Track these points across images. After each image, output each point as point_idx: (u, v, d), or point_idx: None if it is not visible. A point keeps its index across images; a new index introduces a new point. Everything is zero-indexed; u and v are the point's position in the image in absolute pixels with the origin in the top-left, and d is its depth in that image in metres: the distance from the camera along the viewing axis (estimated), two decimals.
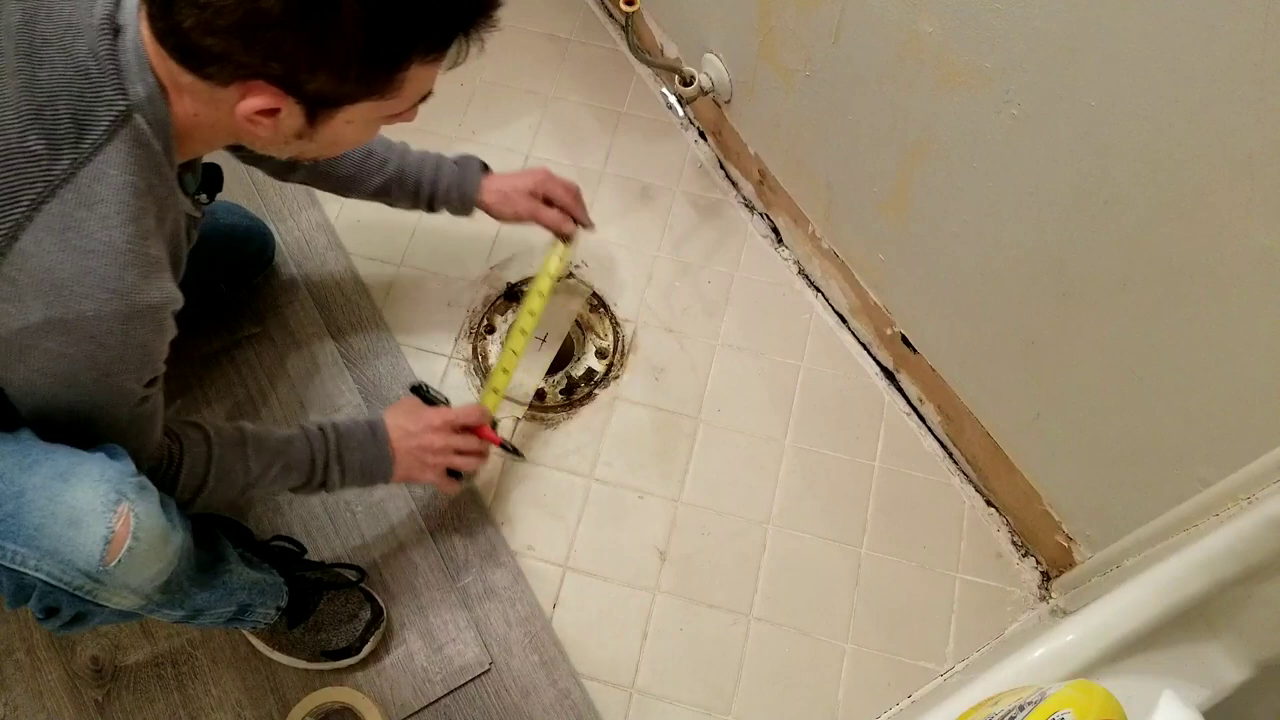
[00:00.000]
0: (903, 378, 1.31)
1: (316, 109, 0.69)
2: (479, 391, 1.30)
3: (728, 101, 1.38)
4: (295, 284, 1.34)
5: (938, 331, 1.20)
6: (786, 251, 1.42)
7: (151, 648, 1.10)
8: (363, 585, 1.12)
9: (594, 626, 1.16)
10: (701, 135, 1.52)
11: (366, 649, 1.09)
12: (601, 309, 1.36)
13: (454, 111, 1.51)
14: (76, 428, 0.74)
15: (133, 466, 0.74)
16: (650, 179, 1.47)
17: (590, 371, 1.32)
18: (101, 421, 0.75)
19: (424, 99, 0.76)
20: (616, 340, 1.34)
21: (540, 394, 1.30)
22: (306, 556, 1.13)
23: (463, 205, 1.18)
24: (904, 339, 1.25)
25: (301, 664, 1.09)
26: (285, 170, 1.11)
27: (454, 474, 1.07)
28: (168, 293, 0.73)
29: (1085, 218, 0.87)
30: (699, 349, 1.34)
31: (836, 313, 1.37)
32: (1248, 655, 0.88)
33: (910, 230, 1.13)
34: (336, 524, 1.19)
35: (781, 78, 1.21)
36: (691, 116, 1.53)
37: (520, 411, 1.29)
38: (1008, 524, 1.24)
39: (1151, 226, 0.80)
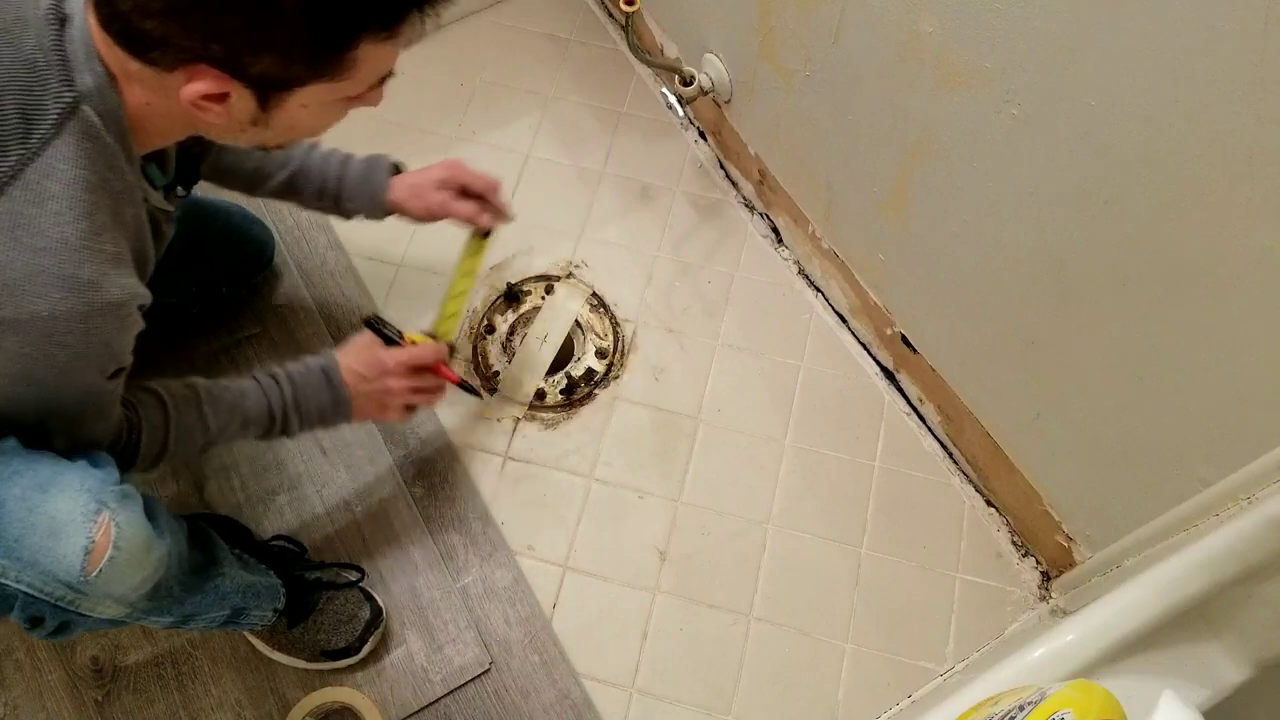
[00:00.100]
0: (903, 378, 1.31)
1: (267, 93, 0.68)
2: (480, 388, 1.30)
3: (728, 101, 1.38)
4: (295, 284, 1.34)
5: (938, 331, 1.20)
6: (786, 251, 1.42)
7: (151, 648, 1.10)
8: (362, 585, 1.12)
9: (594, 626, 1.16)
10: (701, 135, 1.52)
11: (366, 649, 1.09)
12: (601, 309, 1.37)
13: (454, 111, 1.51)
14: (38, 419, 0.73)
15: (116, 475, 0.73)
16: (650, 179, 1.47)
17: (590, 371, 1.32)
18: (64, 414, 0.74)
19: (385, 80, 0.74)
20: (616, 340, 1.34)
21: (540, 394, 1.30)
22: (306, 556, 1.13)
23: (372, 202, 1.11)
24: (904, 339, 1.25)
25: (301, 664, 1.09)
26: (252, 184, 1.08)
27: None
28: (128, 289, 0.71)
29: (1085, 218, 0.87)
30: (699, 349, 1.34)
31: (836, 313, 1.37)
32: (1248, 655, 0.88)
33: (910, 230, 1.13)
34: (336, 524, 1.19)
35: (781, 78, 1.21)
36: (691, 116, 1.53)
37: (520, 411, 1.29)
38: (1008, 524, 1.24)
39: (1151, 226, 0.80)
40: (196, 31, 0.62)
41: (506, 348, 1.33)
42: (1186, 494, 0.90)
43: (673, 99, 1.53)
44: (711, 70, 1.36)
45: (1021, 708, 0.64)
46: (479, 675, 1.12)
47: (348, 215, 1.12)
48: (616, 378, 1.32)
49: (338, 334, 1.31)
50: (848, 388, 1.33)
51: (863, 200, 1.19)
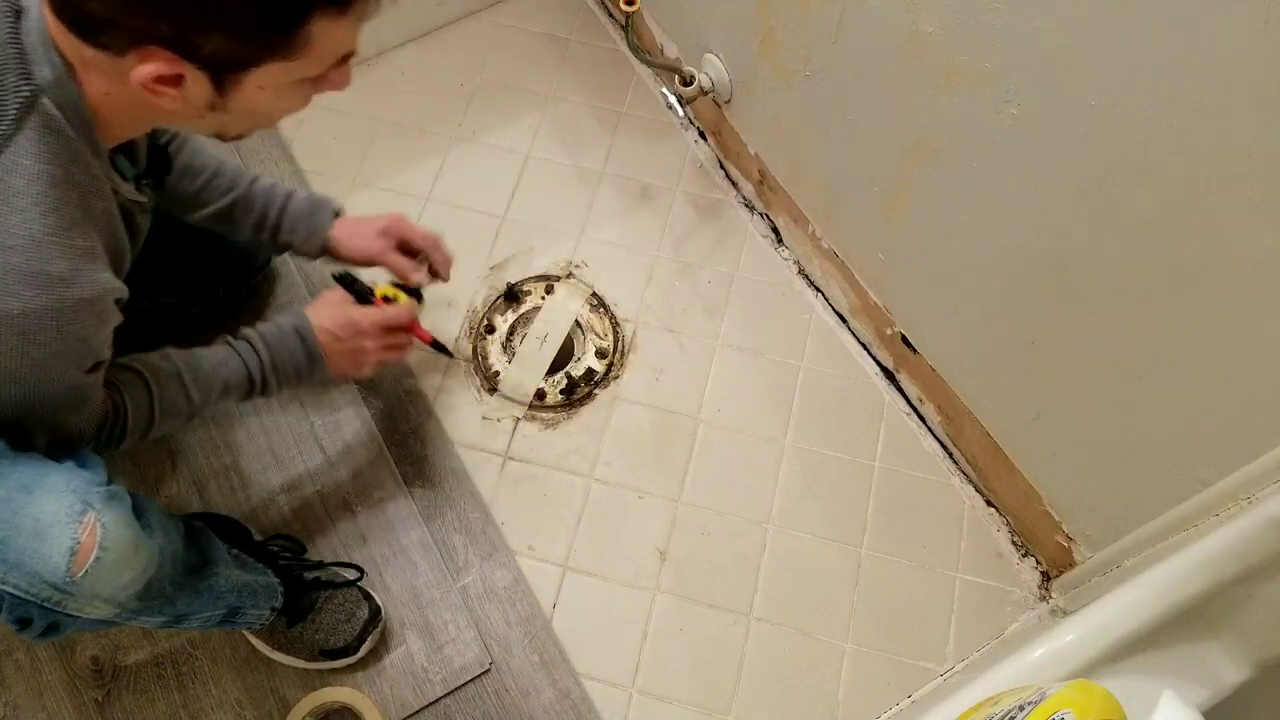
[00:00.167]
0: (903, 378, 1.31)
1: (221, 75, 0.67)
2: (479, 391, 1.30)
3: (728, 101, 1.38)
4: (295, 283, 1.34)
5: (938, 331, 1.20)
6: (786, 251, 1.42)
7: (151, 648, 1.10)
8: (360, 584, 1.12)
9: (594, 626, 1.16)
10: (701, 135, 1.52)
11: (364, 648, 1.09)
12: (601, 309, 1.36)
13: (454, 111, 1.51)
14: (17, 416, 0.73)
15: (103, 476, 0.73)
16: (650, 179, 1.47)
17: (590, 371, 1.32)
18: (45, 409, 0.74)
19: (346, 59, 0.73)
20: (616, 340, 1.34)
21: (540, 394, 1.30)
22: (305, 556, 1.13)
23: (311, 237, 1.10)
24: (904, 339, 1.25)
25: (301, 664, 1.09)
26: (190, 207, 1.06)
27: None
28: (102, 283, 0.71)
29: (1085, 218, 0.87)
30: (699, 349, 1.34)
31: (836, 313, 1.37)
32: (1248, 655, 0.88)
33: (910, 230, 1.13)
34: (337, 523, 1.19)
35: (781, 78, 1.21)
36: (691, 116, 1.53)
37: (520, 411, 1.29)
38: (1008, 524, 1.24)
39: (1151, 226, 0.80)
40: (142, 10, 0.61)
41: (506, 348, 1.33)
42: (1186, 494, 0.90)
43: (673, 99, 1.53)
44: (711, 70, 1.36)
45: (1021, 708, 0.64)
46: (479, 675, 1.12)
47: (281, 249, 1.11)
48: (616, 378, 1.32)
49: None
50: (848, 388, 1.33)
51: (863, 200, 1.19)
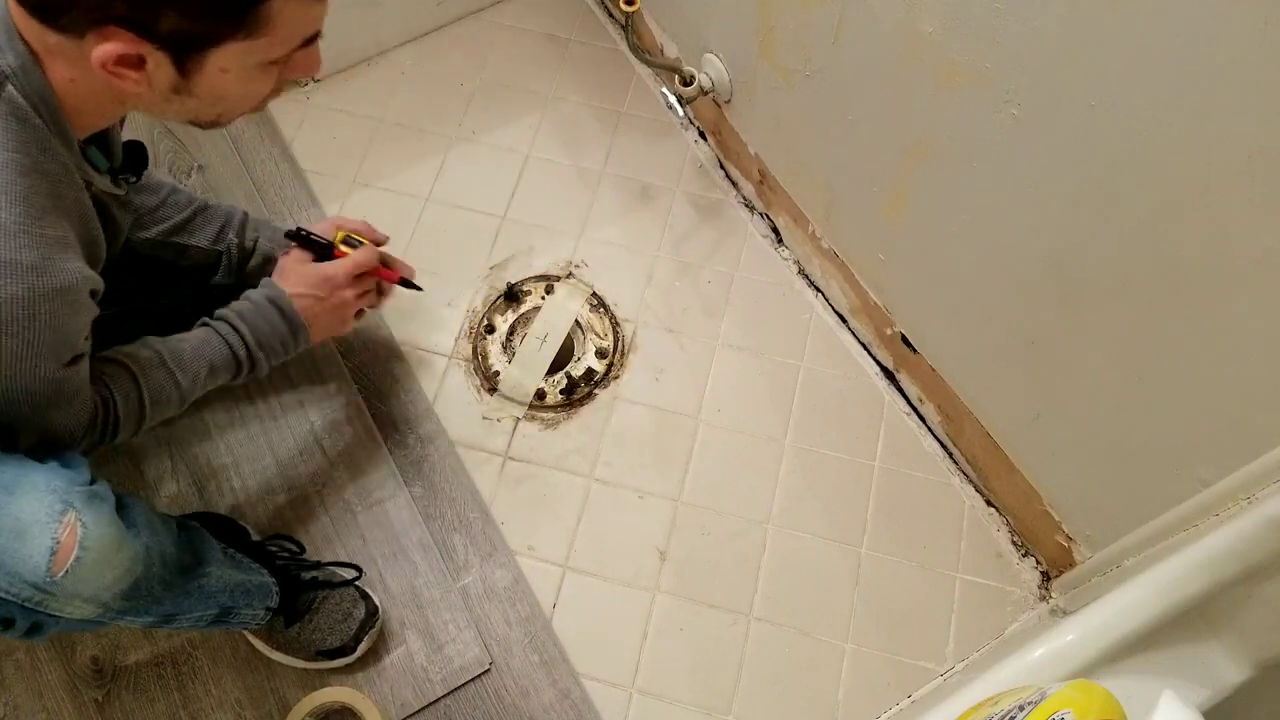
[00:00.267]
0: (903, 378, 1.31)
1: (183, 56, 0.66)
2: (479, 391, 1.30)
3: (728, 101, 1.38)
4: None
5: (938, 331, 1.20)
6: (786, 251, 1.42)
7: (151, 648, 1.10)
8: (358, 584, 1.11)
9: (594, 626, 1.16)
10: (701, 135, 1.52)
11: (362, 648, 1.09)
12: (601, 309, 1.37)
13: (454, 111, 1.51)
14: (6, 412, 0.73)
15: (85, 475, 0.73)
16: (650, 179, 1.47)
17: (590, 371, 1.32)
18: (25, 403, 0.74)
19: (312, 41, 0.72)
20: (616, 340, 1.34)
21: (540, 394, 1.30)
22: (303, 556, 1.13)
23: (274, 236, 1.13)
24: (904, 339, 1.25)
25: (299, 663, 1.09)
26: (147, 223, 1.07)
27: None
28: (76, 273, 0.71)
29: (1085, 218, 0.87)
30: (699, 349, 1.34)
31: (836, 313, 1.37)
32: (1248, 655, 0.88)
33: (910, 230, 1.13)
34: (336, 524, 1.19)
35: (781, 78, 1.21)
36: (691, 116, 1.53)
37: (520, 411, 1.29)
38: (1008, 524, 1.24)
39: (1152, 226, 0.80)
40: None
41: (506, 348, 1.33)
42: (1186, 494, 0.90)
43: (673, 99, 1.53)
44: (711, 70, 1.36)
45: (1021, 708, 0.64)
46: (479, 675, 1.12)
47: (238, 258, 1.11)
48: (616, 378, 1.32)
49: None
50: (848, 388, 1.33)
51: (863, 200, 1.19)
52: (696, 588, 1.19)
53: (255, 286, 1.25)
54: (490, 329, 1.35)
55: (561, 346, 1.33)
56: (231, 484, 1.20)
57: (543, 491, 1.24)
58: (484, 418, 1.28)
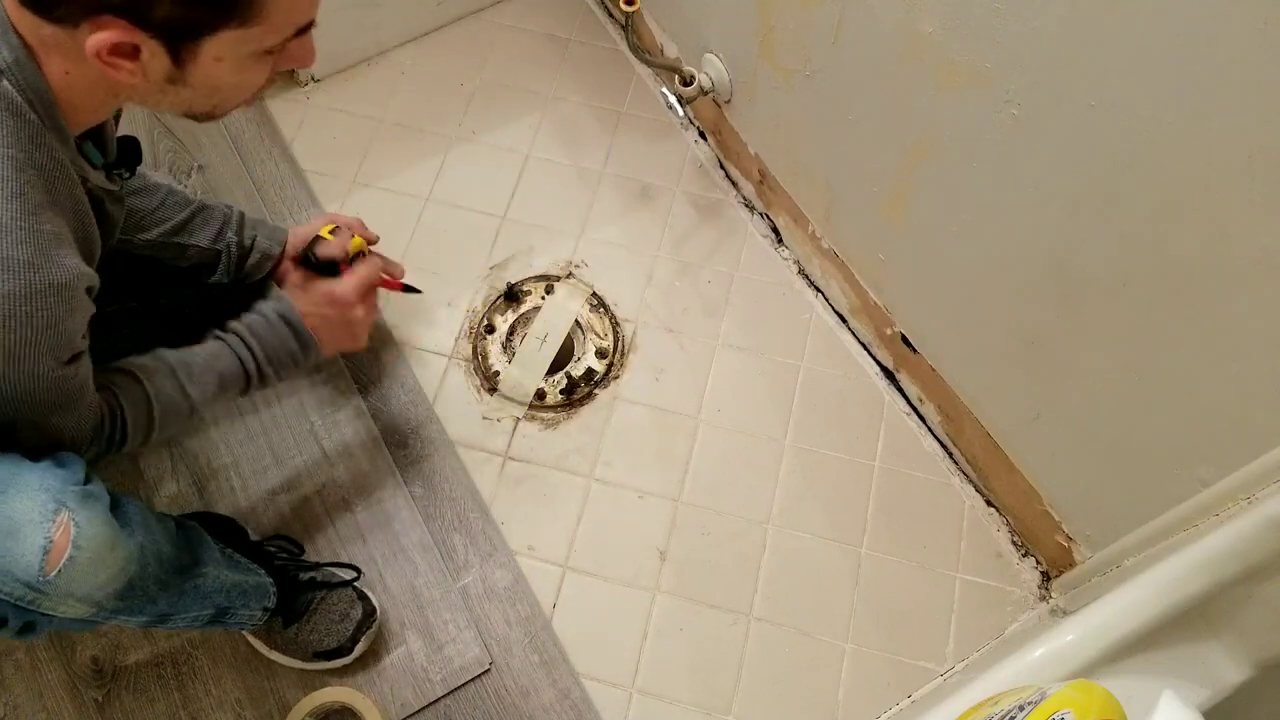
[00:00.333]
0: (903, 378, 1.31)
1: (177, 45, 0.66)
2: (479, 391, 1.30)
3: (728, 101, 1.38)
4: None
5: (938, 331, 1.20)
6: (786, 251, 1.42)
7: (152, 648, 1.10)
8: (356, 585, 1.11)
9: (594, 626, 1.16)
10: (701, 135, 1.52)
11: (359, 649, 1.09)
12: (601, 309, 1.37)
13: (454, 111, 1.51)
14: (7, 412, 0.73)
15: (79, 475, 0.73)
16: (650, 179, 1.47)
17: (590, 371, 1.32)
18: (27, 405, 0.73)
19: (306, 30, 0.72)
20: (616, 340, 1.34)
21: (540, 394, 1.30)
22: (302, 556, 1.13)
23: (272, 235, 1.13)
24: (904, 339, 1.25)
25: (297, 664, 1.09)
26: (144, 226, 1.07)
27: None
28: (72, 269, 0.70)
29: (1085, 218, 0.87)
30: (699, 349, 1.34)
31: (836, 312, 1.37)
32: (1248, 655, 0.88)
33: (910, 230, 1.13)
34: (336, 524, 1.19)
35: (781, 78, 1.21)
36: (691, 116, 1.53)
37: (520, 411, 1.29)
38: (1008, 524, 1.24)
39: (1152, 226, 0.80)
40: None
41: (506, 348, 1.33)
42: (1186, 494, 0.90)
43: (673, 99, 1.53)
44: (711, 70, 1.36)
45: (1021, 708, 0.64)
46: (479, 675, 1.12)
47: (237, 258, 1.12)
48: (616, 378, 1.32)
49: None
50: (848, 388, 1.33)
51: (863, 200, 1.19)
52: (696, 588, 1.19)
53: (253, 285, 1.25)
54: (490, 329, 1.35)
55: (561, 346, 1.33)
56: (231, 484, 1.20)
57: (543, 491, 1.24)
58: (484, 418, 1.28)
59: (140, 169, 0.97)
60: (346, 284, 1.03)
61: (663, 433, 1.28)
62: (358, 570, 1.12)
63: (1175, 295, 0.82)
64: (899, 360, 1.30)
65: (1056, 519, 1.14)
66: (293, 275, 1.06)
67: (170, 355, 0.91)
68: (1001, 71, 0.87)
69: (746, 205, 1.46)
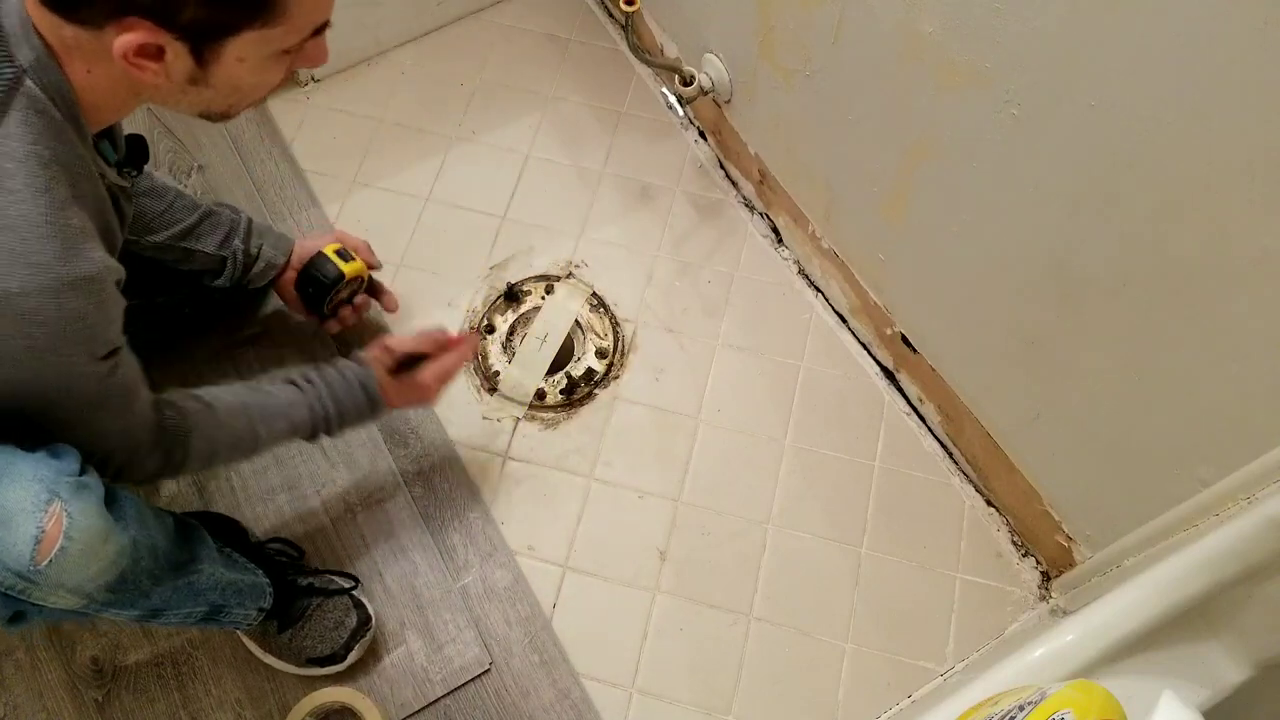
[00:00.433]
0: (903, 378, 1.31)
1: (201, 45, 0.67)
2: (478, 391, 1.30)
3: (728, 101, 1.38)
4: None
5: (938, 331, 1.20)
6: (786, 251, 1.42)
7: (151, 648, 1.10)
8: (353, 593, 1.11)
9: (594, 626, 1.16)
10: (701, 135, 1.52)
11: (352, 657, 1.09)
12: (601, 309, 1.37)
13: (454, 111, 1.51)
14: (46, 413, 0.73)
15: (74, 466, 0.73)
16: (650, 179, 1.47)
17: (590, 371, 1.32)
18: (67, 403, 0.74)
19: (321, 31, 0.73)
20: (616, 340, 1.34)
21: (540, 394, 1.30)
22: (302, 561, 1.13)
23: (278, 244, 1.16)
24: (904, 339, 1.25)
25: (290, 669, 1.09)
26: (152, 229, 1.08)
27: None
28: (99, 262, 0.71)
29: (1085, 218, 0.87)
30: (699, 349, 1.34)
31: (836, 312, 1.37)
32: (1248, 655, 0.88)
33: (910, 230, 1.13)
34: (337, 525, 1.19)
35: (781, 78, 1.21)
36: (691, 116, 1.53)
37: (520, 411, 1.29)
38: (1008, 524, 1.24)
39: (1152, 226, 0.80)
40: None
41: (506, 348, 1.33)
42: (1186, 494, 0.90)
43: (673, 99, 1.53)
44: (711, 70, 1.36)
45: (1021, 708, 0.64)
46: (479, 675, 1.12)
47: (243, 264, 1.13)
48: (616, 378, 1.32)
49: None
50: (848, 388, 1.33)
51: (863, 200, 1.19)
52: (696, 588, 1.19)
53: (255, 292, 1.25)
54: (490, 329, 1.35)
55: (561, 346, 1.33)
56: (231, 484, 1.20)
57: (543, 491, 1.24)
58: (484, 418, 1.28)
59: (147, 169, 0.98)
60: (431, 376, 1.07)
61: (663, 433, 1.28)
62: (355, 579, 1.12)
63: (1175, 295, 0.82)
64: (899, 360, 1.30)
65: (1056, 519, 1.14)
66: (382, 361, 1.06)
67: (248, 393, 0.94)
68: (1001, 71, 0.87)
69: (746, 205, 1.46)
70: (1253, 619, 0.87)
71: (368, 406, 1.02)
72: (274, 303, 1.32)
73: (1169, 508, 0.93)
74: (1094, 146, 0.81)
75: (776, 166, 1.35)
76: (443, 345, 1.10)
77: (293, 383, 0.98)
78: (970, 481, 1.27)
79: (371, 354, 1.06)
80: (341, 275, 1.17)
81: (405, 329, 1.33)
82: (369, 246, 1.22)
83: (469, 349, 1.13)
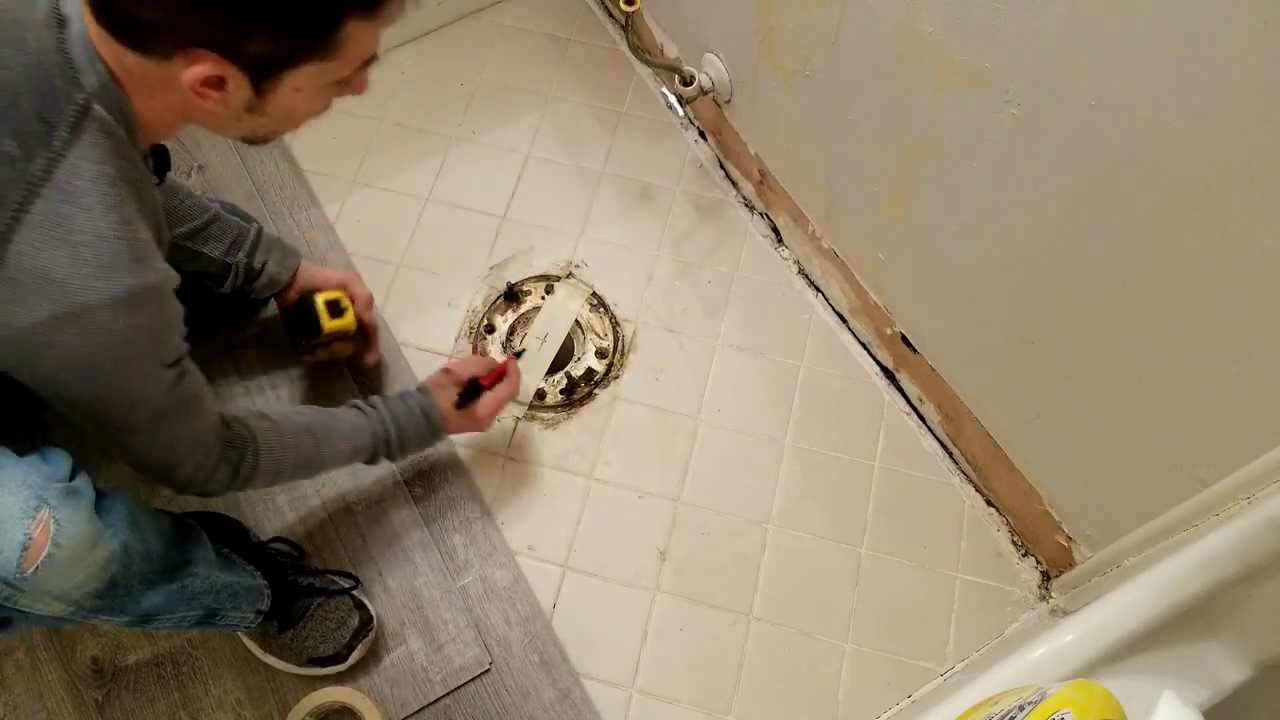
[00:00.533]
0: (903, 378, 1.31)
1: (261, 77, 0.70)
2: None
3: (728, 101, 1.38)
4: None
5: (938, 331, 1.20)
6: (786, 251, 1.42)
7: (151, 648, 1.10)
8: (355, 593, 1.11)
9: (594, 626, 1.16)
10: (701, 135, 1.52)
11: (354, 657, 1.09)
12: (601, 309, 1.37)
13: (454, 111, 1.51)
14: (121, 419, 0.76)
15: (63, 472, 0.74)
16: (650, 179, 1.47)
17: (590, 371, 1.32)
18: (140, 411, 0.76)
19: (369, 63, 0.76)
20: (616, 340, 1.34)
21: (540, 394, 1.30)
22: (302, 561, 1.13)
23: (283, 260, 1.17)
24: (904, 339, 1.25)
25: (291, 669, 1.09)
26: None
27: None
28: (162, 272, 0.74)
29: (1085, 218, 0.87)
30: (699, 349, 1.34)
31: (836, 312, 1.37)
32: (1248, 655, 0.89)
33: (910, 230, 1.13)
34: (337, 525, 1.19)
35: (781, 78, 1.21)
36: (691, 116, 1.53)
37: (520, 411, 1.29)
38: (1008, 524, 1.24)
39: (1151, 226, 0.80)
40: (193, 15, 0.64)
41: (506, 348, 1.33)
42: (1186, 494, 0.90)
43: (673, 99, 1.52)
44: (711, 70, 1.36)
45: (1021, 708, 0.64)
46: (479, 675, 1.12)
47: (246, 275, 1.14)
48: (616, 378, 1.32)
49: None
50: (848, 388, 1.33)
51: (863, 200, 1.19)
52: (696, 588, 1.19)
53: (257, 304, 1.26)
54: (490, 329, 1.35)
55: (561, 346, 1.33)
56: None
57: (543, 491, 1.24)
58: None
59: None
60: (486, 409, 1.11)
61: (663, 433, 1.28)
62: (356, 579, 1.12)
63: (1175, 295, 0.82)
64: (899, 360, 1.30)
65: (1056, 519, 1.14)
66: (445, 390, 1.10)
67: (314, 416, 0.98)
68: (1001, 71, 0.87)
69: (746, 205, 1.46)
70: (1253, 619, 0.87)
71: (428, 433, 1.06)
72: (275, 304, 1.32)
73: (1169, 508, 0.93)
74: (1094, 146, 0.81)
75: (776, 166, 1.35)
76: (492, 368, 1.14)
77: (357, 407, 1.02)
78: (970, 481, 1.27)
79: (436, 381, 1.09)
80: (319, 331, 1.17)
81: (405, 329, 1.33)
82: (371, 301, 1.23)
83: (516, 377, 1.16)
